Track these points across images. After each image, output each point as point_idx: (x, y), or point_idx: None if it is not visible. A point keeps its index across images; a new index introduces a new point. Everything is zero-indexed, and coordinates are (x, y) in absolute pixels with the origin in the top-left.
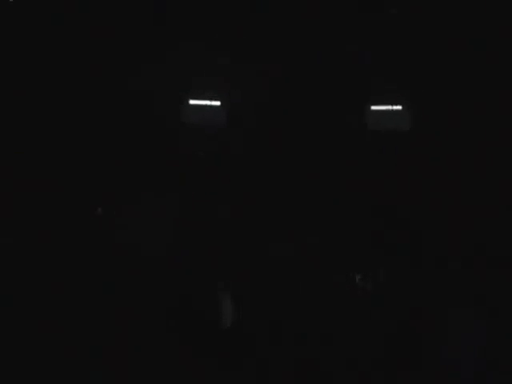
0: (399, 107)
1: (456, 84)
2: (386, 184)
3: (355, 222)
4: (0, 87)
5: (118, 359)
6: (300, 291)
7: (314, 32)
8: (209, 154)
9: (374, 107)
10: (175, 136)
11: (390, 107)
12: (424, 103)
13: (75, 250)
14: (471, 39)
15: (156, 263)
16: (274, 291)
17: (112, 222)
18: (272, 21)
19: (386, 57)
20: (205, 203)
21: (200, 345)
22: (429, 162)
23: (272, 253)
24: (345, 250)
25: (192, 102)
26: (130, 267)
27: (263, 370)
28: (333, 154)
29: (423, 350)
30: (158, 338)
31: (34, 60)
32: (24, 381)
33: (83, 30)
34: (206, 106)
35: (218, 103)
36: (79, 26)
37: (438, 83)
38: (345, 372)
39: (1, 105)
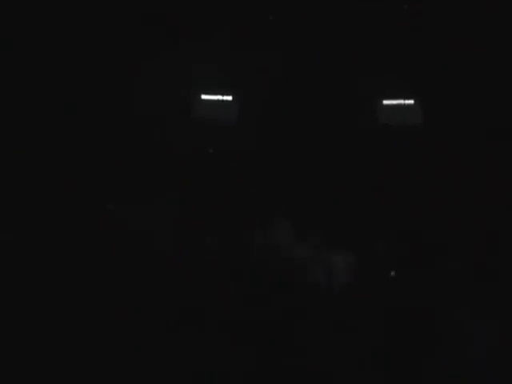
0: (411, 101)
1: (470, 78)
2: (396, 179)
3: (364, 217)
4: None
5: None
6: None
7: (327, 26)
8: (220, 149)
9: (385, 101)
10: (187, 132)
11: (401, 101)
12: (436, 97)
13: (76, 249)
14: (485, 33)
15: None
16: (276, 291)
17: (121, 220)
18: (284, 14)
19: (399, 51)
20: (214, 201)
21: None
22: (441, 157)
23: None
24: (351, 248)
25: (204, 97)
26: (134, 267)
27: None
28: (344, 149)
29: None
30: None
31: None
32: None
33: (94, 24)
34: (218, 100)
35: (229, 98)
36: (90, 21)
37: (451, 77)
38: (347, 372)
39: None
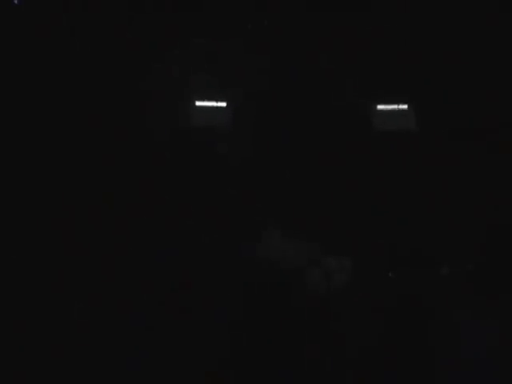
0: (405, 106)
1: (465, 83)
2: (390, 185)
3: (360, 223)
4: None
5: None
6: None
7: (319, 31)
8: (216, 155)
9: (379, 107)
10: (181, 139)
11: (395, 107)
12: (430, 102)
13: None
14: (478, 37)
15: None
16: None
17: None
18: (277, 20)
19: (392, 55)
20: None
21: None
22: (435, 163)
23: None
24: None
25: (198, 103)
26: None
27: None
28: (338, 155)
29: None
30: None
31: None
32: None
33: (86, 29)
34: (211, 107)
35: (223, 104)
36: (83, 26)
37: (445, 82)
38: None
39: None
